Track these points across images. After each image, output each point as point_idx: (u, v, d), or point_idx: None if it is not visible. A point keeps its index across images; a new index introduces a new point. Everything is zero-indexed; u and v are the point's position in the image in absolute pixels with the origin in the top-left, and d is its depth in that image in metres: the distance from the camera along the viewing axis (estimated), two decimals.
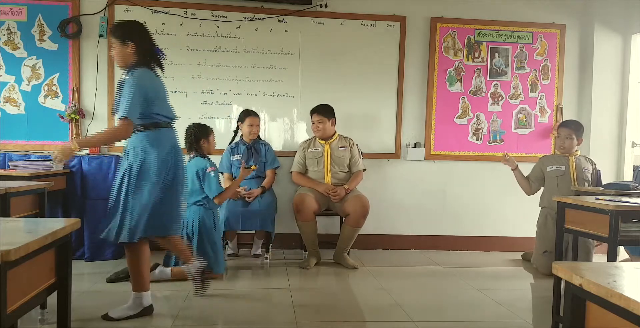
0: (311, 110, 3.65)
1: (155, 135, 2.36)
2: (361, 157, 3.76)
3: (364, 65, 3.99)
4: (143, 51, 2.35)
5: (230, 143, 3.70)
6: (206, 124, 3.17)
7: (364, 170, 3.72)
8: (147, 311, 2.41)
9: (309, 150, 3.64)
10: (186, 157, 3.80)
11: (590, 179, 3.52)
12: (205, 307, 2.60)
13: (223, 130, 3.89)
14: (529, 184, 3.64)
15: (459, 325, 2.44)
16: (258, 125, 3.65)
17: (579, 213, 2.33)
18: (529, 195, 3.69)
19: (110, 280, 2.94)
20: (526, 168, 3.69)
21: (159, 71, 2.48)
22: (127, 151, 2.37)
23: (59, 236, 1.32)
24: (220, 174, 3.47)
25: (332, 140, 3.65)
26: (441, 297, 2.91)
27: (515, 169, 3.66)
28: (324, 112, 3.61)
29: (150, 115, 2.36)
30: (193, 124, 3.11)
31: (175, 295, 2.75)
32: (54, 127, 3.74)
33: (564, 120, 3.91)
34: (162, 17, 3.80)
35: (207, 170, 2.98)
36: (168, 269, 2.99)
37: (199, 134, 3.03)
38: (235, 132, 3.71)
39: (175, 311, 2.49)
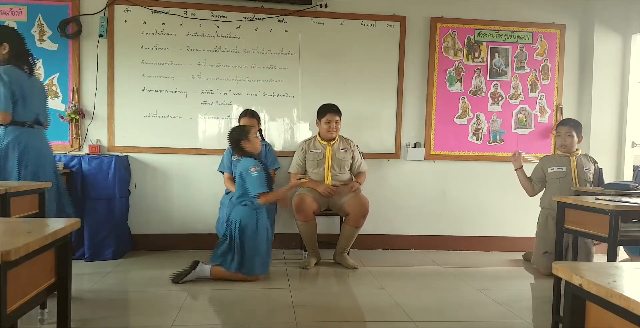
0: (323, 110, 3.59)
1: (3, 132, 2.54)
2: (362, 158, 3.76)
3: (364, 65, 3.99)
4: (16, 52, 2.61)
5: None
6: (238, 125, 3.29)
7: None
8: None
9: (309, 152, 3.63)
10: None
11: (592, 179, 3.51)
12: (205, 307, 2.61)
13: (223, 130, 3.89)
14: (532, 185, 3.63)
15: (459, 325, 2.44)
16: (254, 127, 3.61)
17: (579, 213, 2.33)
18: (531, 196, 3.68)
19: (175, 281, 2.95)
20: (527, 168, 3.69)
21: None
22: None
23: (59, 236, 1.32)
24: (257, 172, 3.31)
25: (334, 142, 3.63)
26: (441, 297, 2.91)
27: (519, 169, 3.65)
28: (337, 111, 3.59)
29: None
30: (231, 128, 3.20)
31: (175, 295, 2.75)
32: (53, 127, 3.68)
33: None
34: (162, 17, 3.80)
35: (250, 170, 2.99)
36: (207, 267, 3.01)
37: (238, 137, 3.08)
38: None
39: (176, 311, 2.49)
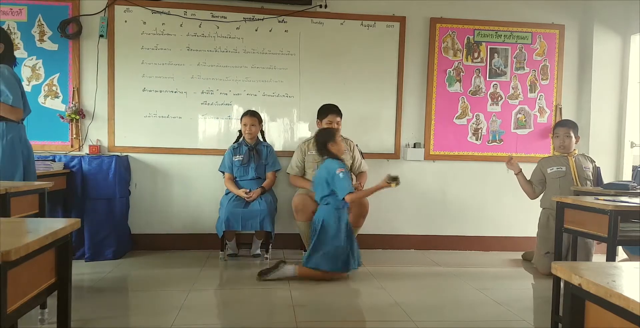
0: (324, 111, 3.59)
1: (4, 128, 2.62)
2: (363, 158, 3.76)
3: (364, 65, 4.00)
4: (9, 52, 2.73)
5: (234, 143, 3.71)
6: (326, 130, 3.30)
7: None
8: None
9: (308, 153, 3.61)
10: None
11: (591, 177, 3.52)
12: (205, 307, 2.61)
13: (223, 130, 3.90)
14: (532, 188, 3.63)
15: (459, 325, 2.44)
16: (254, 125, 3.61)
17: (579, 213, 2.33)
18: (532, 199, 3.66)
19: (264, 279, 3.02)
20: (526, 169, 3.69)
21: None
22: None
23: (59, 236, 1.32)
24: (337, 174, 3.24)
25: None
26: (441, 297, 2.92)
27: (519, 173, 3.64)
28: (338, 112, 3.59)
29: None
30: (318, 130, 3.31)
31: (175, 295, 2.75)
32: (54, 127, 3.74)
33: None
34: (162, 17, 3.80)
35: (337, 172, 3.03)
36: (292, 267, 3.05)
37: (324, 139, 3.15)
38: (240, 132, 3.71)
39: (176, 311, 2.50)
